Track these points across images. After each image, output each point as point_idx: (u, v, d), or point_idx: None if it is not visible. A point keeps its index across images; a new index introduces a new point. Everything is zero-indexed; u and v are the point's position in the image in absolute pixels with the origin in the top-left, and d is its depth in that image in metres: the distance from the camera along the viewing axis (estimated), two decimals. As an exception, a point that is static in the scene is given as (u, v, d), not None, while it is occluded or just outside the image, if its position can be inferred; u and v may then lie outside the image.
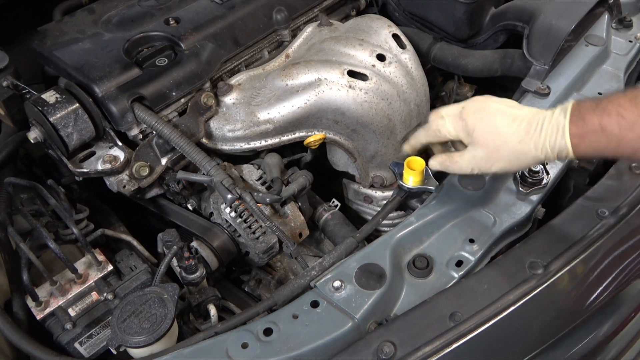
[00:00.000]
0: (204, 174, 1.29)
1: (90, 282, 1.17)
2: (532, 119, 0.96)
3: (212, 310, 1.17)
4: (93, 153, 1.29)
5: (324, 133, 1.42)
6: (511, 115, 0.97)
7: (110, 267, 1.20)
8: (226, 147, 1.39)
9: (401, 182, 1.23)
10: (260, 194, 1.28)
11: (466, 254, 1.11)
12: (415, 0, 1.69)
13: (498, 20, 1.61)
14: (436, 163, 1.11)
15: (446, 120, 1.05)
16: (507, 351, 0.99)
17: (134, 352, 1.03)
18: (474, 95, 1.88)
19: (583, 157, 0.93)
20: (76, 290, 1.16)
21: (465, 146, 1.05)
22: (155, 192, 1.38)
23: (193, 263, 1.18)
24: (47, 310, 1.13)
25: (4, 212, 1.21)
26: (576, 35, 1.47)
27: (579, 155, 0.91)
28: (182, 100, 1.35)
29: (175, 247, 1.14)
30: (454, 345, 0.95)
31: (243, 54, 1.48)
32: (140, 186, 1.30)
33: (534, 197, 1.20)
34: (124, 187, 1.28)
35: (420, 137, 1.12)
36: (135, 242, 1.34)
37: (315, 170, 1.48)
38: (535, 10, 1.47)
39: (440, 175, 1.20)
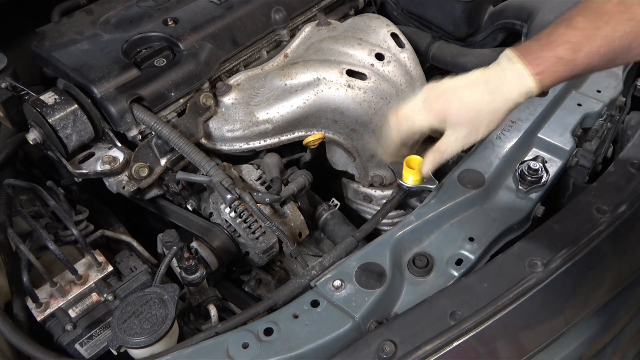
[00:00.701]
0: (203, 174, 1.29)
1: (91, 283, 1.17)
2: (486, 77, 1.01)
3: (213, 311, 1.17)
4: (92, 154, 1.29)
5: (323, 132, 1.42)
6: (468, 84, 1.02)
7: (110, 268, 1.20)
8: (225, 147, 1.39)
9: (400, 181, 1.23)
10: (259, 194, 1.28)
11: (466, 253, 1.11)
12: (413, -1, 1.70)
13: (496, 19, 1.61)
14: (429, 164, 1.10)
15: (415, 117, 1.06)
16: (507, 350, 0.99)
17: (134, 352, 1.03)
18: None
19: (544, 89, 1.00)
20: (76, 291, 1.16)
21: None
22: (154, 192, 1.38)
23: (193, 263, 1.18)
24: (48, 312, 1.13)
25: (3, 214, 1.21)
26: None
27: (542, 89, 0.98)
28: (181, 100, 1.35)
29: (175, 247, 1.14)
30: (455, 344, 0.95)
31: (242, 54, 1.47)
32: (140, 187, 1.30)
33: (534, 196, 1.20)
34: (124, 187, 1.28)
35: (395, 141, 1.11)
36: (135, 243, 1.34)
37: (314, 169, 1.48)
38: (533, 9, 1.47)
39: (439, 174, 1.21)
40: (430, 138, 1.63)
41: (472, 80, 1.02)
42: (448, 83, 1.04)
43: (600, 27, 0.92)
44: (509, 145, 1.27)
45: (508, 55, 0.99)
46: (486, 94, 1.00)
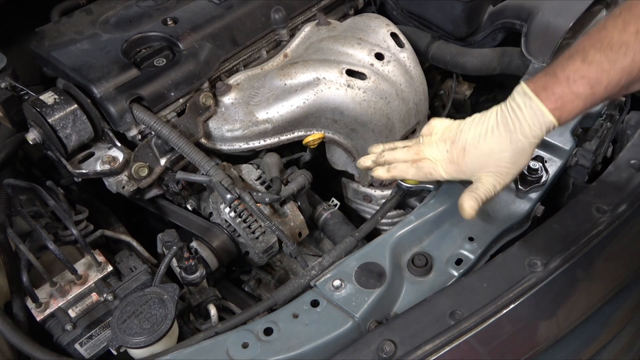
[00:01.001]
0: (203, 174, 1.29)
1: (90, 283, 1.17)
2: (504, 120, 0.98)
3: (212, 310, 1.17)
4: (92, 154, 1.29)
5: (322, 132, 1.42)
6: (487, 131, 0.99)
7: (110, 268, 1.20)
8: (225, 147, 1.39)
9: (400, 181, 1.23)
10: (259, 194, 1.28)
11: (466, 252, 1.11)
12: (413, -1, 1.69)
13: (496, 19, 1.61)
14: (471, 210, 1.02)
15: (438, 165, 1.06)
16: (507, 349, 0.99)
17: (134, 352, 1.03)
18: (472, 93, 1.88)
19: (564, 123, 0.97)
20: (76, 291, 1.16)
21: None
22: (154, 192, 1.38)
23: (193, 263, 1.18)
24: (47, 312, 1.13)
25: (3, 214, 1.21)
26: (574, 32, 1.47)
27: (562, 123, 0.95)
28: (181, 100, 1.35)
29: (175, 247, 1.14)
30: (454, 344, 0.95)
31: (241, 54, 1.47)
32: (140, 187, 1.30)
33: (533, 195, 1.20)
34: (123, 187, 1.28)
35: (407, 174, 1.10)
36: (135, 243, 1.34)
37: (314, 169, 1.48)
38: (533, 8, 1.47)
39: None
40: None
41: (490, 125, 0.99)
42: (468, 134, 1.02)
43: (617, 60, 0.87)
44: (508, 144, 1.27)
45: (524, 91, 0.96)
46: (506, 139, 0.97)
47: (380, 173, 1.14)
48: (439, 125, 1.09)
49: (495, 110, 1.00)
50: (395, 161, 1.12)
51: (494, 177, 1.01)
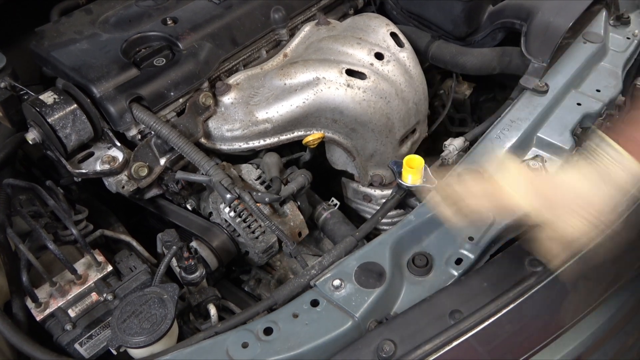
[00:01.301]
0: (202, 173, 1.29)
1: (90, 282, 1.17)
2: (597, 169, 0.98)
3: (212, 310, 1.17)
4: (92, 154, 1.29)
5: (322, 132, 1.42)
6: (576, 174, 0.97)
7: (109, 268, 1.20)
8: (225, 146, 1.38)
9: (400, 181, 1.24)
10: (259, 194, 1.28)
11: (465, 252, 1.11)
12: (413, -2, 1.69)
13: (496, 18, 1.61)
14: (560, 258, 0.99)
15: (519, 197, 0.97)
16: (506, 349, 0.99)
17: (134, 352, 1.03)
18: (472, 93, 1.89)
19: None
20: (76, 291, 1.16)
21: None
22: (154, 192, 1.38)
23: (192, 263, 1.18)
24: (47, 312, 1.13)
25: (3, 214, 1.21)
26: (574, 32, 1.47)
27: None
28: (181, 100, 1.35)
29: (174, 247, 1.14)
30: (454, 343, 0.95)
31: (241, 54, 1.47)
32: (139, 186, 1.30)
33: (533, 195, 1.20)
34: (123, 187, 1.28)
35: (482, 207, 1.02)
36: (134, 243, 1.34)
37: (314, 169, 1.48)
38: (533, 8, 1.47)
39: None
40: (430, 136, 1.63)
41: (582, 172, 0.97)
42: (559, 172, 1.02)
43: None
44: (508, 144, 1.27)
45: (610, 144, 0.97)
46: (598, 187, 0.95)
47: (450, 214, 1.05)
48: (512, 163, 1.05)
49: (584, 160, 1.01)
50: (468, 194, 1.03)
51: (583, 222, 0.95)
